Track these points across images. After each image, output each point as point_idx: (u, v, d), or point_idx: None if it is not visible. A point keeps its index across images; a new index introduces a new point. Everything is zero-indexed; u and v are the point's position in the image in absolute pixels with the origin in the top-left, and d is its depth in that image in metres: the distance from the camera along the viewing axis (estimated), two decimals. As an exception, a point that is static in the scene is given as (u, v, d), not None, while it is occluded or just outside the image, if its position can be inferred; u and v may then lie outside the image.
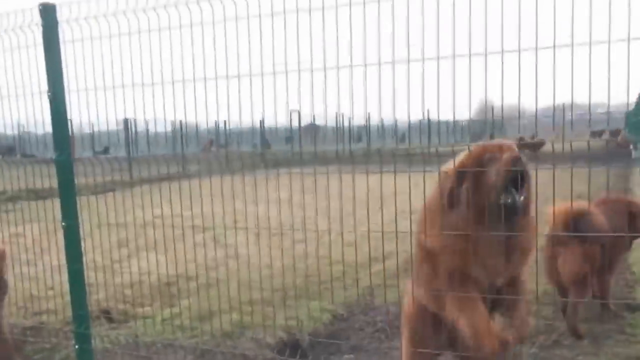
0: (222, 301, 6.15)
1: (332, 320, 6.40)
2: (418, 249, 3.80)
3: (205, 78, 4.03)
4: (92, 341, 4.86)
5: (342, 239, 6.58)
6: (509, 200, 3.33)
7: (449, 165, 3.62)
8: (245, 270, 6.95)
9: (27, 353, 5.96)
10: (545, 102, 3.57)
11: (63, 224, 4.56)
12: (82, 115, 4.84)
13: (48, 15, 4.47)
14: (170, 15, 4.07)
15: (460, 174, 3.49)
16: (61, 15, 4.54)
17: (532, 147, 21.46)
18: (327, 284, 6.87)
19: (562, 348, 5.29)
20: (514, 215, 3.39)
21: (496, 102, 3.86)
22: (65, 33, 4.60)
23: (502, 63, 3.24)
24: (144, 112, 4.37)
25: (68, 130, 4.64)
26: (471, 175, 3.45)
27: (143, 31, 4.23)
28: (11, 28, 4.69)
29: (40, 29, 4.53)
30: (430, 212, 3.64)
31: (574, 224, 5.30)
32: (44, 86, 4.60)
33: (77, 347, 4.72)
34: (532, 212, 3.58)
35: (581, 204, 5.32)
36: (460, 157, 3.58)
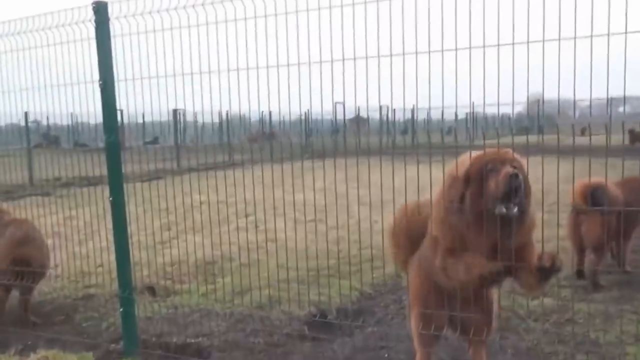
0: (258, 279, 6.56)
1: (359, 298, 6.76)
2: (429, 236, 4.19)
3: (250, 67, 4.36)
4: (135, 306, 5.31)
5: (370, 225, 6.98)
6: (504, 211, 3.67)
7: (453, 168, 3.93)
8: (281, 252, 7.36)
9: (77, 321, 6.48)
10: (596, 94, 3.73)
11: (110, 199, 5.03)
12: (132, 106, 5.29)
13: (100, 12, 4.93)
14: (216, 10, 4.44)
15: (464, 180, 3.82)
16: (112, 12, 4.99)
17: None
18: (358, 266, 7.23)
19: (574, 325, 5.53)
20: (508, 225, 3.73)
21: (547, 95, 4.05)
22: (115, 28, 5.06)
23: (550, 53, 3.46)
24: (193, 103, 4.75)
25: (116, 115, 5.08)
26: (474, 183, 3.78)
27: (192, 26, 4.62)
28: (67, 23, 5.13)
29: (93, 24, 4.98)
30: (436, 210, 4.01)
31: (591, 195, 6.38)
32: (96, 76, 5.06)
33: (122, 310, 5.19)
34: (530, 219, 3.87)
35: (598, 180, 5.97)
36: (465, 164, 3.87)
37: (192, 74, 4.67)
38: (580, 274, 7.05)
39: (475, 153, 3.90)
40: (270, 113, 4.92)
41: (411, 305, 4.62)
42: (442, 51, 3.71)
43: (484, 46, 3.59)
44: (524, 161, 3.86)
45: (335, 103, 5.35)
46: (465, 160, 3.90)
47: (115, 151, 5.00)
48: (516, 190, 3.63)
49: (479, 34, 3.50)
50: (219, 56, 4.49)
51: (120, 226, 5.07)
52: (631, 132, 27.26)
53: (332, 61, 4.10)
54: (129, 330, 5.23)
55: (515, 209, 3.66)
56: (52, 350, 5.45)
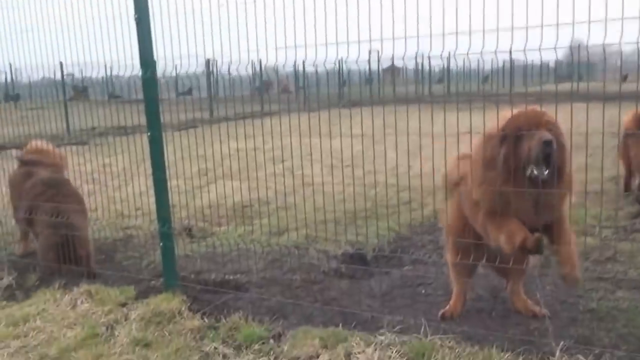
0: (294, 220, 6.59)
1: (396, 238, 6.75)
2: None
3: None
4: (174, 241, 5.37)
5: (408, 169, 6.92)
6: (535, 174, 3.69)
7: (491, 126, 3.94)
8: (317, 196, 7.36)
9: (117, 260, 6.60)
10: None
11: (148, 134, 5.05)
12: (169, 59, 5.25)
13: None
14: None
15: (500, 139, 3.82)
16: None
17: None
18: (394, 208, 7.20)
19: (614, 263, 5.45)
20: (538, 185, 3.73)
21: (585, 42, 3.92)
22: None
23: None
24: (229, 54, 4.71)
25: (152, 51, 5.03)
26: (509, 143, 3.78)
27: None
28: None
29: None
30: (474, 165, 4.01)
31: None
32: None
33: (161, 244, 5.25)
34: (563, 180, 3.84)
35: None
36: (502, 123, 3.87)
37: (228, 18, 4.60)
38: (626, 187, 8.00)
39: (514, 111, 3.86)
40: (303, 63, 4.84)
41: (448, 236, 4.62)
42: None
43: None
44: (562, 125, 3.83)
45: (370, 50, 5.24)
46: (503, 118, 3.90)
47: (152, 87, 5.00)
48: (548, 156, 3.63)
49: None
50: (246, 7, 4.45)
51: (158, 161, 5.09)
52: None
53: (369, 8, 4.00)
54: (168, 265, 5.29)
55: (546, 172, 3.66)
56: (94, 285, 5.56)
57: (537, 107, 3.90)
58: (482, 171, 3.92)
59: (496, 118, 3.93)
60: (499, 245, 3.96)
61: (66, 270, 6.00)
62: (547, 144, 3.60)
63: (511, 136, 3.76)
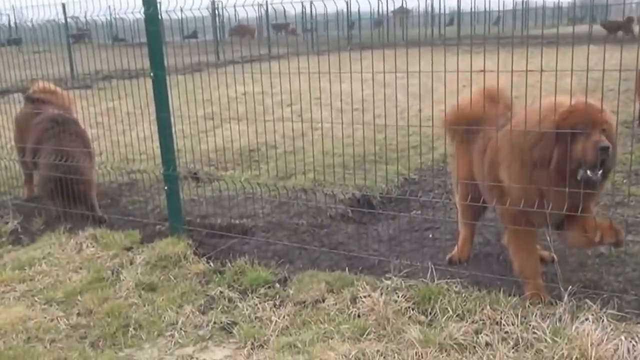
0: (301, 164, 6.51)
1: (404, 182, 6.69)
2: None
3: None
4: (180, 185, 5.32)
5: (420, 112, 6.80)
6: (589, 176, 3.50)
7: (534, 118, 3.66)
8: (326, 140, 7.26)
9: (123, 204, 6.58)
10: None
11: (152, 74, 4.94)
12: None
13: None
14: None
15: (553, 139, 3.57)
16: None
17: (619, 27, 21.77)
18: (403, 152, 7.11)
19: (625, 207, 5.37)
20: (588, 187, 3.56)
21: None
22: None
23: None
24: None
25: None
26: (561, 143, 3.54)
27: None
28: None
29: None
30: (514, 160, 3.79)
31: None
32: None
33: (166, 188, 5.20)
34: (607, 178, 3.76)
35: None
36: (551, 118, 3.60)
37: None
38: None
39: (561, 103, 3.62)
40: (311, 3, 4.67)
41: (456, 178, 4.56)
42: None
43: None
44: (613, 120, 3.65)
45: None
46: (549, 111, 3.63)
47: (155, 24, 4.87)
48: (604, 162, 3.48)
49: None
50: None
51: (162, 102, 5.00)
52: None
53: None
54: (174, 209, 5.25)
55: (599, 174, 3.51)
56: (100, 229, 5.54)
57: (592, 102, 3.63)
58: (527, 170, 3.70)
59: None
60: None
61: (62, 209, 6.01)
62: (605, 150, 3.43)
63: (566, 136, 3.52)
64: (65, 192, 5.97)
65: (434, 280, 4.05)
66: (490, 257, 4.66)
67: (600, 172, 3.51)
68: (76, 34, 16.44)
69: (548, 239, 4.49)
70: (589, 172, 3.49)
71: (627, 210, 5.28)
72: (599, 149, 3.43)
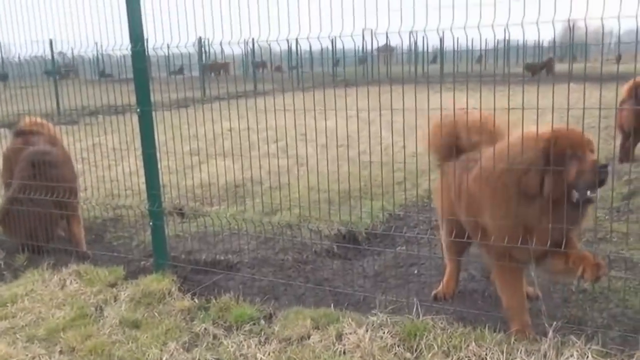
0: (286, 200, 6.51)
1: (389, 218, 6.71)
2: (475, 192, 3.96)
3: None
4: (165, 220, 5.31)
5: (404, 147, 6.86)
6: (588, 196, 3.49)
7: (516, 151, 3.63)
8: (311, 176, 7.29)
9: (107, 240, 6.54)
10: (630, 24, 3.49)
11: (138, 110, 4.97)
12: (159, 38, 5.15)
13: None
14: None
15: (540, 164, 3.55)
16: None
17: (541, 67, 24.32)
18: (388, 188, 7.15)
19: (607, 243, 5.42)
20: (580, 210, 3.57)
21: (580, 23, 3.80)
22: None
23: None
24: (221, 31, 4.59)
25: (142, 26, 4.93)
26: (555, 170, 3.52)
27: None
28: None
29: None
30: (496, 199, 3.74)
31: (635, 91, 8.53)
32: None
33: (151, 224, 5.19)
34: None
35: None
36: (541, 144, 3.58)
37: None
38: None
39: (543, 132, 3.62)
40: (297, 41, 4.74)
41: (440, 214, 4.59)
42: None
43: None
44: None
45: (363, 29, 5.14)
46: (530, 140, 3.61)
47: (142, 61, 4.91)
48: (603, 182, 3.48)
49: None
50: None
51: (148, 137, 5.02)
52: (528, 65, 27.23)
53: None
54: (158, 245, 5.24)
55: (596, 194, 3.52)
56: (83, 265, 5.50)
57: (572, 127, 3.66)
58: (513, 203, 3.65)
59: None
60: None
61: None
62: (605, 168, 3.44)
63: (558, 161, 3.50)
64: (28, 226, 5.98)
65: (419, 317, 4.05)
66: (476, 293, 4.67)
67: (594, 194, 3.51)
68: (55, 70, 16.49)
69: (532, 275, 4.51)
70: (588, 192, 3.47)
71: (610, 247, 5.34)
72: (599, 168, 3.43)
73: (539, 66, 26.31)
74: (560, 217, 3.54)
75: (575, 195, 3.51)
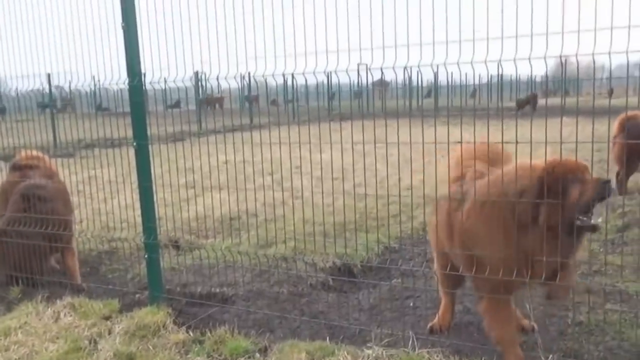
0: (281, 233, 6.52)
1: (384, 250, 6.72)
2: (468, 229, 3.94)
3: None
4: (160, 252, 5.30)
5: (399, 181, 6.90)
6: (588, 221, 3.47)
7: (524, 178, 3.62)
8: (306, 208, 7.31)
9: (102, 272, 6.52)
10: (620, 59, 3.56)
11: (134, 144, 5.00)
12: (156, 72, 5.21)
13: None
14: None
15: (540, 192, 3.54)
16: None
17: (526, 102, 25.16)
18: (383, 220, 7.18)
19: (602, 276, 5.43)
20: (584, 234, 3.59)
21: (572, 58, 3.86)
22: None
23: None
24: (218, 66, 4.66)
25: (140, 60, 5.00)
26: (551, 195, 3.51)
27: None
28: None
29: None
30: (495, 227, 3.71)
31: (626, 125, 8.56)
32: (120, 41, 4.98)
33: (147, 257, 5.18)
34: None
35: (635, 112, 8.47)
36: (537, 173, 3.59)
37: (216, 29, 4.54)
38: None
39: (537, 162, 3.66)
40: (292, 75, 4.81)
41: (434, 247, 4.60)
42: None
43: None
44: None
45: (359, 64, 5.21)
46: (524, 170, 3.64)
47: (139, 95, 4.96)
48: (604, 199, 3.49)
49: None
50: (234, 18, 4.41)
51: (144, 170, 5.05)
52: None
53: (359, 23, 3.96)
54: (154, 278, 5.23)
55: (600, 219, 3.52)
56: (78, 298, 5.47)
57: (567, 156, 3.68)
58: (510, 234, 3.62)
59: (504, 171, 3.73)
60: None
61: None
62: (605, 183, 3.45)
63: (554, 187, 3.49)
64: (16, 258, 5.98)
65: (415, 350, 4.04)
66: (471, 326, 4.66)
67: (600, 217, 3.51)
68: (52, 104, 16.57)
69: (528, 307, 4.52)
70: (592, 219, 3.46)
71: (605, 279, 5.34)
72: (602, 183, 3.44)
73: (524, 101, 26.76)
74: (557, 247, 3.52)
75: (579, 222, 3.48)
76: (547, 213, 3.51)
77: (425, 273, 5.80)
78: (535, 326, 4.39)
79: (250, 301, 5.36)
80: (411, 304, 5.21)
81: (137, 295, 5.59)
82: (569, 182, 3.50)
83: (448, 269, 4.26)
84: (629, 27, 3.27)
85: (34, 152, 7.05)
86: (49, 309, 5.31)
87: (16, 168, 6.81)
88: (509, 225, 3.62)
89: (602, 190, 3.44)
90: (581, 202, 3.45)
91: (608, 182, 3.49)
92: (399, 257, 6.57)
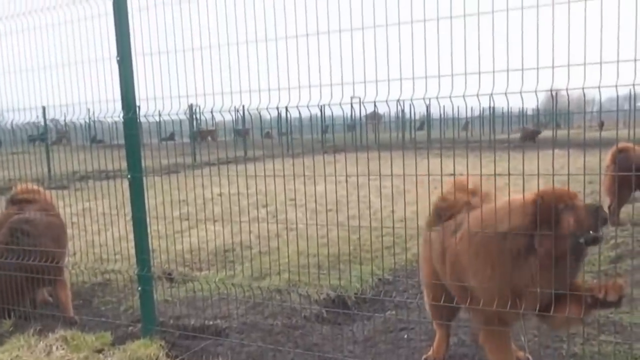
0: (276, 265, 6.53)
1: (378, 282, 6.71)
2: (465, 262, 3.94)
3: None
4: (154, 285, 5.29)
5: (393, 213, 6.93)
6: (593, 236, 3.50)
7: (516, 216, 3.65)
8: (300, 240, 7.30)
9: (95, 305, 6.48)
10: (610, 92, 3.61)
11: (129, 176, 5.02)
12: (151, 106, 5.25)
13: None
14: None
15: (532, 224, 3.59)
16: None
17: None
18: (377, 252, 7.18)
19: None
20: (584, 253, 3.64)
21: (563, 92, 3.93)
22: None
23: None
24: (212, 98, 4.72)
25: (134, 93, 5.04)
26: (544, 225, 3.55)
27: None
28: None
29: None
30: (490, 259, 3.72)
31: (617, 157, 8.59)
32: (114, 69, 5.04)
33: (140, 289, 5.17)
34: None
35: (627, 145, 8.62)
36: (529, 208, 3.63)
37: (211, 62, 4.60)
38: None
39: (529, 195, 3.71)
40: (286, 108, 4.88)
41: (426, 279, 4.59)
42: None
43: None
44: None
45: (352, 98, 5.27)
46: (516, 204, 3.68)
47: (134, 128, 4.99)
48: (605, 220, 3.53)
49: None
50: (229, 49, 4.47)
51: (138, 203, 5.06)
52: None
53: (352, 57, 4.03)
54: (147, 310, 5.20)
55: (600, 235, 3.54)
56: (71, 331, 5.44)
57: (558, 186, 3.72)
58: (506, 269, 3.64)
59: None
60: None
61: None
62: (599, 208, 3.52)
63: (547, 216, 3.53)
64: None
65: (409, 382, 4.03)
66: (466, 358, 4.65)
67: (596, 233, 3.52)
68: (45, 136, 16.59)
69: (523, 339, 4.51)
70: (592, 233, 3.48)
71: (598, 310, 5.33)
72: (596, 209, 3.50)
73: (530, 133, 27.04)
74: (556, 274, 3.53)
75: (580, 238, 3.51)
76: (541, 243, 3.53)
77: (420, 305, 5.79)
78: (530, 358, 4.38)
79: (244, 334, 5.33)
80: (405, 336, 5.19)
81: (130, 328, 5.55)
82: (562, 211, 3.54)
83: (442, 301, 4.26)
84: (618, 61, 3.32)
85: (31, 186, 7.05)
86: (41, 342, 5.26)
87: (14, 202, 6.81)
88: (503, 257, 3.64)
89: (596, 214, 3.48)
90: (580, 229, 3.49)
91: (600, 207, 3.53)
92: (392, 289, 6.57)
